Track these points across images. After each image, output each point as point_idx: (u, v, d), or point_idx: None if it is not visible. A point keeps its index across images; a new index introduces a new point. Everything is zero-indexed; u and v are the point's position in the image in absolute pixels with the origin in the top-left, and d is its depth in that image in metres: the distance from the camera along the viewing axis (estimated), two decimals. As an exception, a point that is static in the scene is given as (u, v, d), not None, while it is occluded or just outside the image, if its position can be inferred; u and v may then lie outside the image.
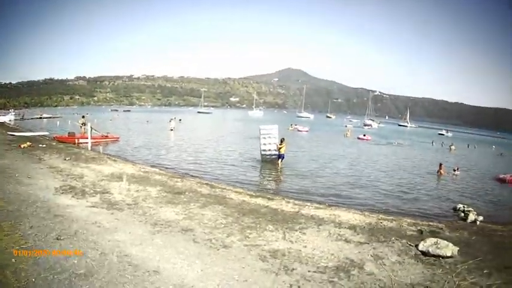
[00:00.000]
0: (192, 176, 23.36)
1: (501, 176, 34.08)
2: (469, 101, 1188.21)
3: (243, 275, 8.52)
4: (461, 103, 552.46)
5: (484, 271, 10.30)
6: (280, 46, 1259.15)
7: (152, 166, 25.81)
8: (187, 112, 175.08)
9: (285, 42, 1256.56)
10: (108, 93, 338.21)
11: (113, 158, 26.87)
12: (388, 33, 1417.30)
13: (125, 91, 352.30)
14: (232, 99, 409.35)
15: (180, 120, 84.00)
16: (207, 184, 19.96)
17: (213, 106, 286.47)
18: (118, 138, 41.92)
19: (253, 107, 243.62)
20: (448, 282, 9.23)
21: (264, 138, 30.27)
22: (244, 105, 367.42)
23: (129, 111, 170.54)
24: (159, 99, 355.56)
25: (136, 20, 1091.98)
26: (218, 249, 10.03)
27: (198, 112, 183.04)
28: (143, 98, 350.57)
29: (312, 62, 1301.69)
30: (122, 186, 17.05)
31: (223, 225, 12.29)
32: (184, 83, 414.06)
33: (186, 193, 16.78)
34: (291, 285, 8.23)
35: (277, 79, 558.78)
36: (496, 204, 23.41)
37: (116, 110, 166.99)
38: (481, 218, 18.08)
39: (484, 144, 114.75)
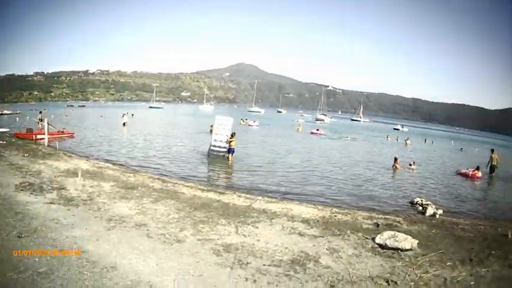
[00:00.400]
0: (144, 170, 23.22)
1: (463, 170, 34.88)
2: (426, 96, 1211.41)
3: (198, 270, 8.48)
4: (418, 98, 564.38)
5: (448, 263, 10.53)
6: (232, 41, 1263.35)
7: (106, 161, 25.56)
8: (139, 107, 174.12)
9: (237, 38, 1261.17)
10: (64, 89, 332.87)
11: (68, 154, 26.51)
12: (341, 28, 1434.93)
13: (80, 86, 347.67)
14: (183, 94, 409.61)
15: (132, 115, 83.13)
16: (158, 179, 19.95)
17: (164, 101, 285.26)
18: (73, 134, 41.26)
19: (204, 101, 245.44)
20: (409, 275, 9.37)
21: (218, 128, 30.23)
22: (195, 100, 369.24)
23: (83, 106, 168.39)
24: (112, 94, 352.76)
25: (93, 15, 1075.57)
26: (172, 244, 9.99)
27: (150, 107, 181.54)
28: (97, 93, 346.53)
29: (264, 58, 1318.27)
30: (77, 182, 16.84)
31: (175, 220, 12.25)
32: (137, 78, 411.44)
33: (139, 188, 16.72)
34: (246, 279, 8.24)
35: (228, 74, 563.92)
36: (458, 198, 23.91)
37: (72, 106, 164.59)
38: (440, 211, 18.43)
39: (441, 139, 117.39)
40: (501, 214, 20.59)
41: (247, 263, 9.15)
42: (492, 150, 37.14)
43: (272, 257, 9.67)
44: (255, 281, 8.18)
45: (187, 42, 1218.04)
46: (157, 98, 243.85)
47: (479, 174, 33.41)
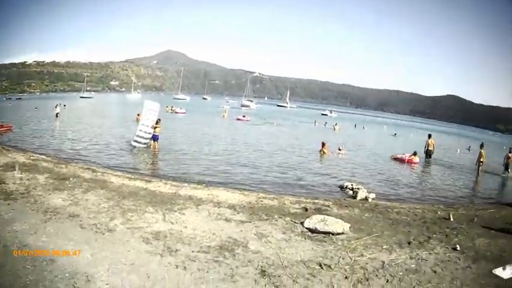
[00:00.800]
0: (76, 161, 22.87)
1: (399, 156, 35.70)
2: (357, 82, 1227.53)
3: (129, 259, 8.51)
4: (348, 84, 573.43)
5: (384, 247, 10.83)
6: (161, 28, 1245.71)
7: (41, 154, 24.83)
8: (71, 97, 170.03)
9: (166, 24, 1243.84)
10: (3, 82, 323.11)
11: (7, 148, 25.73)
12: (269, 13, 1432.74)
13: (18, 79, 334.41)
14: (112, 83, 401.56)
15: (64, 106, 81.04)
16: (88, 169, 19.75)
17: (94, 91, 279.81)
18: (11, 127, 39.90)
19: (132, 90, 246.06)
20: (343, 258, 9.56)
21: (146, 114, 29.84)
22: (123, 89, 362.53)
23: (20, 99, 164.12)
24: (47, 86, 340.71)
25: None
26: (104, 234, 9.96)
27: (81, 97, 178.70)
28: (33, 84, 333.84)
29: (192, 45, 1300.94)
30: (16, 175, 16.44)
31: (106, 209, 12.20)
32: (69, 68, 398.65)
33: (71, 179, 16.44)
34: (177, 266, 8.32)
35: (156, 62, 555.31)
36: (393, 183, 24.43)
37: (10, 99, 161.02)
38: (373, 195, 18.73)
39: (373, 124, 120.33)
40: (439, 198, 21.10)
41: (177, 250, 9.25)
42: (429, 136, 38.28)
43: (200, 244, 9.78)
44: (185, 268, 8.26)
45: (116, 29, 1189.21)
46: (88, 88, 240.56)
47: (417, 159, 34.38)
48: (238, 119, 74.84)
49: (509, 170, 32.25)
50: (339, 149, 36.30)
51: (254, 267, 8.56)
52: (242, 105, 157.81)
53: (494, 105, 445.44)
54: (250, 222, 12.03)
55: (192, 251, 9.22)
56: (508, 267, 10.17)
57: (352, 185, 20.33)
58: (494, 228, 14.63)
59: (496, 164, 35.69)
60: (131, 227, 10.57)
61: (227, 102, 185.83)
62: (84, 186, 15.33)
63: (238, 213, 13.02)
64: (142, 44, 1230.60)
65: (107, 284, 7.23)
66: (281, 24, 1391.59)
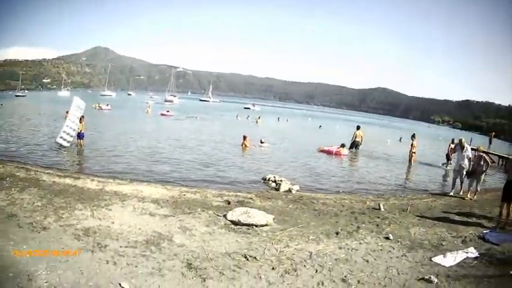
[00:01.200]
0: (10, 160, 22.19)
1: (326, 148, 36.12)
2: (281, 76, 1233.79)
3: (64, 255, 8.52)
4: (272, 78, 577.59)
5: (311, 237, 11.17)
6: (89, 24, 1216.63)
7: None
8: (8, 96, 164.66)
9: (95, 20, 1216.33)
10: None
11: None
12: (193, 8, 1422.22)
13: None
14: (44, 80, 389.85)
15: (1, 105, 79.04)
16: (23, 168, 19.34)
17: (27, 89, 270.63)
18: None
19: (62, 87, 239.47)
20: (268, 250, 9.86)
21: (74, 111, 29.40)
22: (54, 86, 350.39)
23: None
24: None
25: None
26: (39, 232, 9.92)
27: (16, 95, 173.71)
28: None
29: (119, 40, 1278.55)
30: None
31: (39, 208, 12.10)
32: (7, 66, 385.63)
33: (7, 178, 16.18)
34: (107, 262, 8.42)
35: (85, 58, 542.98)
36: (318, 175, 24.89)
37: None
38: (297, 187, 19.13)
39: (298, 117, 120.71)
40: (368, 190, 21.73)
41: (106, 245, 9.34)
42: (358, 127, 39.13)
43: (127, 239, 9.92)
44: (115, 263, 8.39)
45: (48, 26, 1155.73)
46: (23, 86, 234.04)
47: (345, 151, 35.11)
48: (163, 114, 74.53)
49: (450, 161, 33.28)
50: (261, 142, 36.49)
51: (180, 261, 8.75)
52: (166, 100, 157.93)
53: (429, 97, 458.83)
54: (173, 216, 12.24)
55: (120, 246, 9.35)
56: (449, 255, 10.63)
57: (274, 177, 20.65)
58: (430, 217, 15.19)
59: (435, 155, 36.86)
60: (63, 224, 10.57)
61: (151, 97, 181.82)
62: (19, 185, 15.08)
63: (162, 207, 13.23)
64: (72, 41, 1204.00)
65: (46, 282, 7.25)
66: (205, 18, 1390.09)
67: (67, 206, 12.56)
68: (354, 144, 37.70)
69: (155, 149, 30.45)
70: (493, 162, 39.76)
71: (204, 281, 7.79)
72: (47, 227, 10.34)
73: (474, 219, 15.67)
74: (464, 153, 21.11)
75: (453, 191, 21.52)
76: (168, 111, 77.92)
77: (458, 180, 21.58)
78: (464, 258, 10.53)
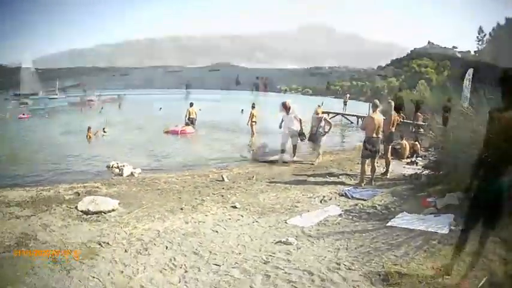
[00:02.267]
0: None
1: (171, 128, 36.20)
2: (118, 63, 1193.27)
3: None
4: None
5: (156, 216, 11.69)
6: None
7: None
8: None
9: None
10: None
11: None
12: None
13: None
14: None
15: None
16: None
17: None
18: None
19: None
20: (118, 234, 10.27)
21: None
22: None
23: None
24: None
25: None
26: None
27: None
28: None
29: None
30: None
31: None
32: None
33: None
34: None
35: None
36: (160, 155, 25.41)
37: None
38: (138, 170, 19.71)
39: (140, 102, 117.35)
40: (212, 163, 22.69)
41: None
42: (191, 104, 39.03)
43: (2, 244, 9.77)
44: None
45: None
46: None
47: (190, 129, 35.82)
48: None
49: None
50: (104, 131, 36.16)
51: (46, 257, 8.81)
52: None
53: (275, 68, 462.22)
54: (35, 215, 12.22)
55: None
56: (305, 215, 11.30)
57: (117, 163, 20.92)
58: (281, 181, 16.14)
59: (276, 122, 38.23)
60: None
61: None
62: None
63: (24, 209, 13.09)
64: None
65: None
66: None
67: None
68: (189, 120, 37.78)
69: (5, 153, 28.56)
70: (351, 122, 43.28)
71: (69, 272, 8.07)
72: None
73: (332, 179, 16.69)
74: (291, 115, 21.38)
75: (280, 156, 21.47)
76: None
77: (288, 146, 21.73)
78: (326, 217, 11.17)
